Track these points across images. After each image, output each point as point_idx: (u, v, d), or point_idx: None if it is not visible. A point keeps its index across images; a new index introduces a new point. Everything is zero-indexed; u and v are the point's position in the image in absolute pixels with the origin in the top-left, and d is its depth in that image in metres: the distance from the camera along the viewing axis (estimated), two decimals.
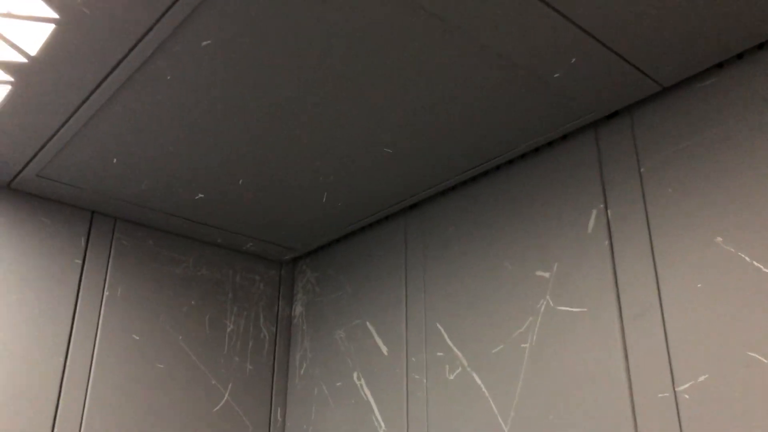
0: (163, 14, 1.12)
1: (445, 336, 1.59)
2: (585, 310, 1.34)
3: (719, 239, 1.19)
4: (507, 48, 1.20)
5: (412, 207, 1.79)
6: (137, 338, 1.79)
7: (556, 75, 1.26)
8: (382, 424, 1.66)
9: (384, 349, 1.72)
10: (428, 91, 1.32)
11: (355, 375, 1.78)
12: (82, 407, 1.65)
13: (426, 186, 1.68)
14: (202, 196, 1.73)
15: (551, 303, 1.40)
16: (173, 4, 1.10)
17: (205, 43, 1.20)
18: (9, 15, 1.12)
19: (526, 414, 1.37)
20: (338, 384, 1.82)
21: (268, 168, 1.61)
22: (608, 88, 1.31)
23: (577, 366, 1.32)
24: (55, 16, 1.12)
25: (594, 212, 1.39)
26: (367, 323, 1.80)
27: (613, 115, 1.41)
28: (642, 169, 1.33)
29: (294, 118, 1.42)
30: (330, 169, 1.60)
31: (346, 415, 1.76)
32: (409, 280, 1.73)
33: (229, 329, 1.96)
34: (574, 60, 1.23)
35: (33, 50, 1.21)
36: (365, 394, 1.73)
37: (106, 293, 1.78)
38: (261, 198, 1.75)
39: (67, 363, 1.66)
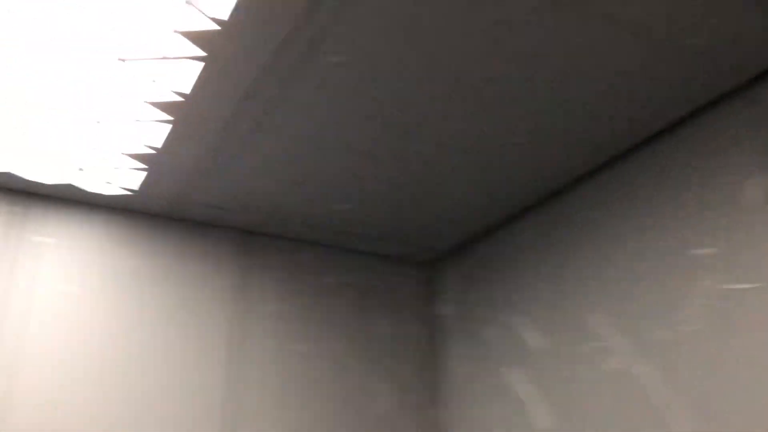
0: (297, 35, 1.20)
1: (603, 326, 1.55)
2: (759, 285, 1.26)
3: None
4: (642, 17, 1.17)
5: (555, 195, 1.77)
6: (298, 348, 1.89)
7: (694, 40, 1.22)
8: (543, 419, 1.65)
9: (539, 343, 1.71)
10: (565, 74, 1.31)
11: (510, 371, 1.78)
12: (246, 414, 1.77)
13: (569, 172, 1.66)
14: (345, 206, 1.81)
15: (718, 282, 1.34)
16: (305, 25, 1.17)
17: (336, 58, 1.26)
18: (164, 59, 1.25)
19: (698, 401, 1.31)
20: (493, 381, 1.83)
21: (405, 173, 1.65)
22: (754, 47, 1.24)
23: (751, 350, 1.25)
24: (203, 53, 1.23)
25: (756, 179, 1.31)
26: (519, 318, 1.80)
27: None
28: None
29: (428, 123, 1.45)
30: (469, 166, 1.63)
31: (503, 412, 1.77)
32: (560, 270, 1.71)
33: (382, 333, 2.03)
34: (714, 21, 1.17)
35: (186, 89, 1.33)
36: (522, 390, 1.72)
37: (265, 308, 1.90)
38: (400, 203, 1.80)
39: (229, 374, 1.78)
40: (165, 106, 1.39)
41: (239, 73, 1.29)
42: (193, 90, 1.34)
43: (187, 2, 1.12)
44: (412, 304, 2.11)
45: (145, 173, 1.66)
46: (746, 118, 1.35)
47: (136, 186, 1.71)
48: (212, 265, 1.87)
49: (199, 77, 1.30)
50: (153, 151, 1.56)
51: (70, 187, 1.70)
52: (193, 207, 1.81)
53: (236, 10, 1.13)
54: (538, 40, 1.22)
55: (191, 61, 1.25)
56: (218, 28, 1.17)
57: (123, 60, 1.25)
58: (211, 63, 1.26)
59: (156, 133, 1.49)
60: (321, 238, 2.00)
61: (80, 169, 1.62)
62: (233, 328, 1.83)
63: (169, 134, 1.49)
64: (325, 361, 1.91)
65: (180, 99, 1.36)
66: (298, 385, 1.85)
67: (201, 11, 1.13)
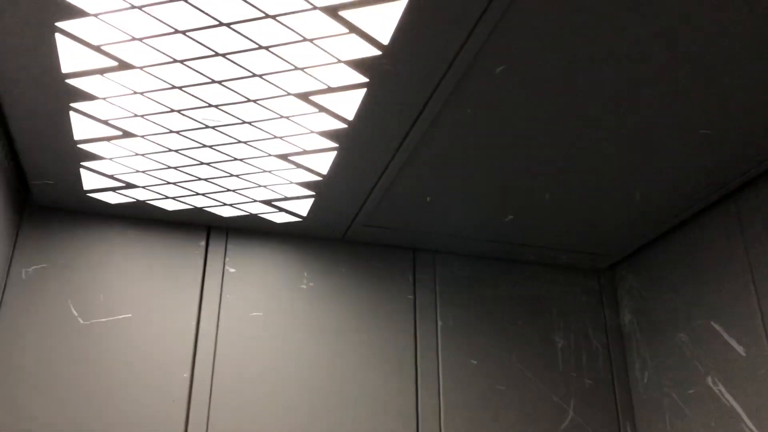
0: (458, 52, 1.17)
1: None
2: None
3: None
4: None
5: (743, 186, 1.60)
6: (475, 362, 1.85)
7: None
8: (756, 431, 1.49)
9: (740, 350, 1.55)
10: (743, 53, 1.18)
11: (709, 380, 1.63)
12: (438, 430, 1.75)
13: (759, 160, 1.49)
14: (511, 217, 1.75)
15: None
16: (466, 41, 1.14)
17: (499, 69, 1.22)
18: (329, 90, 1.26)
19: None
20: (690, 391, 1.68)
21: (574, 178, 1.57)
22: None
23: None
24: (365, 80, 1.23)
25: None
26: (712, 322, 1.65)
27: None
28: None
29: (598, 121, 1.37)
30: (641, 164, 1.52)
31: (707, 425, 1.62)
32: (754, 267, 1.55)
33: (559, 345, 1.94)
34: None
35: (350, 115, 1.34)
36: (727, 401, 1.57)
37: (439, 323, 1.88)
38: (569, 209, 1.72)
39: (419, 390, 1.78)
40: (329, 134, 1.41)
41: (402, 95, 1.28)
42: (355, 116, 1.35)
43: (349, 32, 1.12)
44: (591, 313, 2.01)
45: (312, 200, 1.70)
46: None
47: (304, 212, 1.76)
48: (385, 282, 1.89)
49: (362, 103, 1.30)
50: (319, 178, 1.59)
51: (243, 218, 1.78)
52: (361, 228, 1.83)
53: (397, 33, 1.12)
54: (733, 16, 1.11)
55: (354, 88, 1.26)
56: (379, 52, 1.16)
57: (289, 93, 1.28)
58: (372, 88, 1.25)
59: (321, 160, 1.52)
60: (491, 251, 1.95)
61: (254, 200, 1.70)
62: (414, 343, 1.83)
63: (334, 160, 1.51)
64: (507, 373, 1.86)
65: (343, 126, 1.38)
66: (483, 397, 1.81)
67: (362, 38, 1.13)
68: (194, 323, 1.71)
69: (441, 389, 1.80)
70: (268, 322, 1.76)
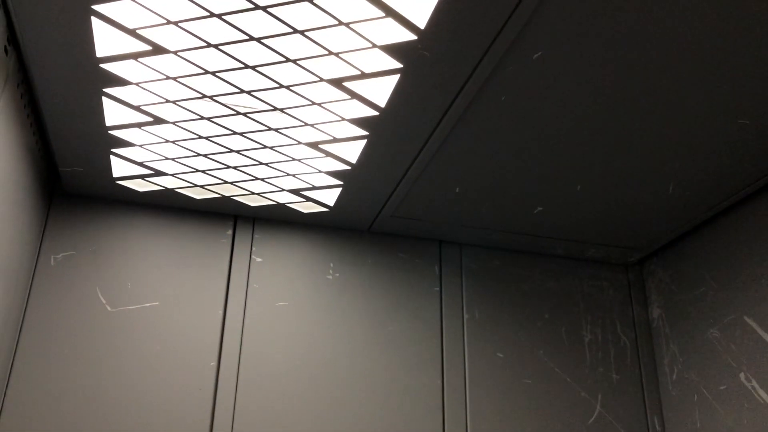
0: (495, 38, 1.15)
1: None
2: None
3: None
4: None
5: None
6: (501, 356, 1.84)
7: None
8: None
9: None
10: None
11: (742, 376, 1.60)
12: (465, 423, 1.74)
13: None
14: (540, 209, 1.74)
15: None
16: (504, 26, 1.12)
17: (536, 55, 1.20)
18: (362, 75, 1.25)
19: None
20: (722, 387, 1.66)
21: (605, 169, 1.55)
22: None
23: None
24: (399, 65, 1.22)
25: None
26: (745, 318, 1.62)
27: None
28: None
29: (632, 111, 1.35)
30: (675, 155, 1.49)
31: (739, 422, 1.59)
32: None
33: (587, 339, 1.92)
34: None
35: (382, 102, 1.33)
36: (761, 397, 1.54)
37: (465, 316, 1.86)
38: (600, 201, 1.69)
39: (444, 383, 1.76)
40: (360, 122, 1.40)
41: (436, 82, 1.26)
42: (388, 103, 1.33)
43: (385, 15, 1.11)
44: (619, 308, 1.98)
45: (339, 189, 1.69)
46: None
47: (331, 202, 1.75)
48: (411, 274, 1.88)
49: (395, 90, 1.29)
50: (348, 167, 1.58)
51: (270, 207, 1.78)
52: (388, 219, 1.82)
53: (434, 17, 1.10)
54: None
55: (388, 74, 1.24)
56: (415, 37, 1.15)
57: (322, 79, 1.27)
58: (406, 74, 1.24)
59: (351, 149, 1.51)
60: (519, 243, 1.94)
61: (282, 189, 1.69)
62: (440, 335, 1.82)
63: (364, 149, 1.50)
64: (534, 367, 1.84)
65: (375, 113, 1.37)
66: (509, 390, 1.79)
67: (398, 22, 1.12)
68: (221, 312, 1.71)
69: (467, 382, 1.78)
70: (294, 312, 1.76)
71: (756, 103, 1.31)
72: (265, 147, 1.51)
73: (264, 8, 1.11)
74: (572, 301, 1.96)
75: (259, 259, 1.79)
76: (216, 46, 1.20)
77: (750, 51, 1.18)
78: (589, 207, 1.72)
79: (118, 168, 1.61)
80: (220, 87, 1.31)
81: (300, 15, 1.12)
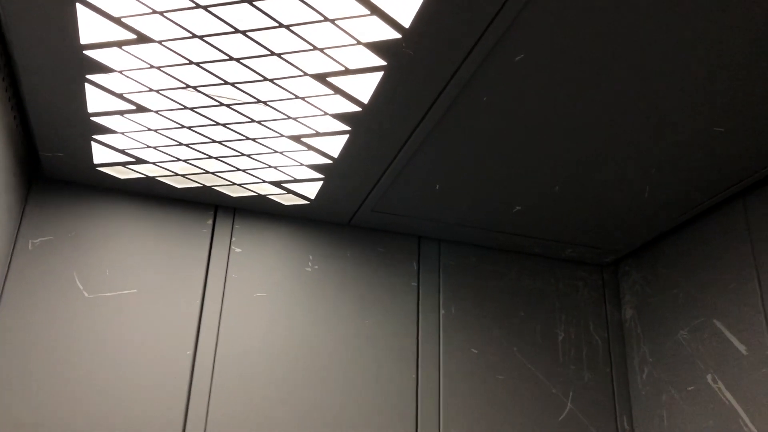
0: (478, 40, 1.17)
1: None
2: None
3: None
4: None
5: (753, 186, 1.61)
6: (476, 351, 1.86)
7: None
8: (754, 431, 1.50)
9: (741, 348, 1.56)
10: (761, 51, 1.19)
11: (709, 377, 1.64)
12: (438, 417, 1.76)
13: (765, 163, 1.50)
14: (519, 208, 1.76)
15: None
16: (487, 28, 1.14)
17: (518, 57, 1.22)
18: (346, 71, 1.26)
19: None
20: (690, 388, 1.70)
21: (583, 172, 1.58)
22: None
23: None
24: (383, 63, 1.23)
25: None
26: (714, 321, 1.66)
27: None
28: None
29: (611, 115, 1.37)
30: (651, 160, 1.52)
31: (705, 422, 1.63)
32: (760, 266, 1.56)
33: (560, 338, 1.95)
34: None
35: (365, 98, 1.34)
36: (726, 399, 1.58)
37: (442, 311, 1.89)
38: (577, 203, 1.72)
39: (419, 377, 1.79)
40: (343, 117, 1.41)
41: (419, 80, 1.28)
42: (371, 100, 1.35)
43: (370, 13, 1.12)
44: (593, 308, 2.02)
45: (320, 183, 1.70)
46: None
47: (312, 195, 1.76)
48: (390, 269, 1.89)
49: (378, 86, 1.30)
50: (329, 161, 1.59)
51: (251, 198, 1.78)
52: (368, 214, 1.84)
53: (419, 16, 1.12)
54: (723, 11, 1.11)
55: (371, 71, 1.26)
56: (399, 36, 1.16)
57: (306, 74, 1.28)
58: (390, 71, 1.25)
59: (333, 143, 1.52)
60: (497, 241, 1.96)
61: (263, 181, 1.70)
62: (416, 330, 1.84)
63: (346, 144, 1.51)
64: (508, 364, 1.87)
65: (358, 109, 1.38)
66: (482, 386, 1.82)
67: (383, 20, 1.13)
68: (199, 301, 1.71)
69: (441, 376, 1.81)
70: (271, 303, 1.77)
71: (730, 112, 1.34)
72: (248, 138, 1.51)
73: (250, 1, 1.11)
74: (547, 299, 1.99)
75: (238, 250, 1.80)
76: (201, 38, 1.20)
77: (726, 59, 1.21)
78: (568, 208, 1.75)
79: (99, 154, 1.61)
80: (204, 78, 1.31)
81: (286, 9, 1.13)
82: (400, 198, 1.74)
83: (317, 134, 1.48)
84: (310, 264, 1.84)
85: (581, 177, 1.60)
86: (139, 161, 1.63)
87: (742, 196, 1.63)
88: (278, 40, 1.20)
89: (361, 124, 1.43)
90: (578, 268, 2.06)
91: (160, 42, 1.22)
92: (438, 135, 1.46)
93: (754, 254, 1.58)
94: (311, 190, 1.74)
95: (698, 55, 1.20)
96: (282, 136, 1.49)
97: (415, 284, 1.90)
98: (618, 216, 1.78)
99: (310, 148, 1.54)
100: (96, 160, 1.63)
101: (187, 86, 1.34)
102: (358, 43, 1.19)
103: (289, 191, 1.75)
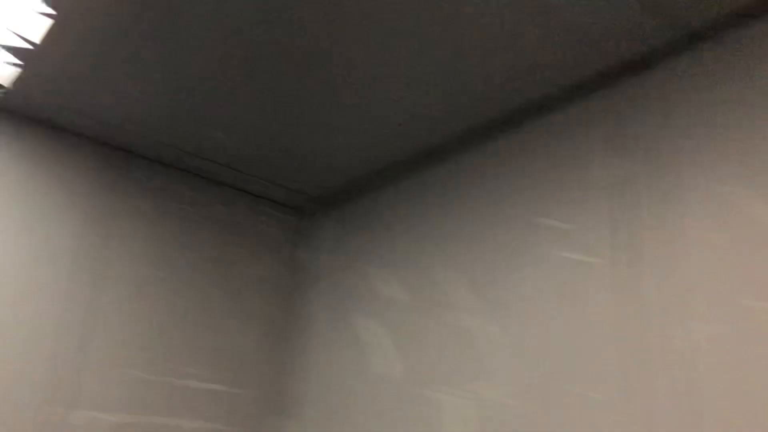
0: None
1: (453, 283, 1.67)
2: None
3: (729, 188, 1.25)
4: None
5: (427, 156, 1.86)
6: (156, 272, 1.91)
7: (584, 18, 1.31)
8: (390, 367, 1.74)
9: (394, 295, 1.80)
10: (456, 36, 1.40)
11: (363, 319, 1.86)
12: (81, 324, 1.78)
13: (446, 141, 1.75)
14: (219, 135, 1.83)
15: (557, 251, 1.49)
16: None
17: None
18: None
19: (529, 355, 1.46)
20: (346, 328, 1.91)
21: (281, 110, 1.69)
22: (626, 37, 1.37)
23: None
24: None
25: (600, 164, 1.47)
26: (379, 269, 1.87)
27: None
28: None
29: (324, 46, 1.49)
30: (345, 106, 1.66)
31: (353, 358, 1.86)
32: (425, 229, 1.83)
33: (242, 271, 2.06)
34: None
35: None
36: (372, 338, 1.82)
37: (121, 226, 1.89)
38: (279, 140, 1.83)
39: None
40: None
41: None
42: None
43: None
44: (279, 246, 2.14)
45: (19, 69, 1.62)
46: (598, 108, 1.48)
47: (7, 83, 1.67)
48: (71, 176, 1.84)
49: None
50: (30, 47, 1.53)
51: None
52: (66, 114, 1.78)
53: None
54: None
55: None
56: None
57: None
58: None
59: (35, 27, 1.47)
60: (192, 166, 2.01)
61: None
62: (88, 244, 1.82)
63: (50, 30, 1.47)
64: (183, 289, 1.94)
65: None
66: (153, 308, 1.87)
67: None
68: None
69: (112, 293, 1.83)
70: None
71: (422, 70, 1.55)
72: None
73: None
74: (236, 232, 2.08)
75: None
76: None
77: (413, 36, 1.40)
78: (267, 143, 1.85)
79: None
80: None
81: None
82: (101, 102, 1.70)
83: (18, 12, 1.41)
84: None
85: (285, 114, 1.70)
86: None
87: (410, 168, 1.90)
88: None
89: (68, 8, 1.39)
90: (270, 207, 2.16)
91: None
92: (148, 37, 1.46)
93: (417, 218, 1.85)
94: (6, 76, 1.64)
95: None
96: None
97: (96, 195, 1.86)
98: (312, 160, 1.92)
99: (6, 27, 1.46)
100: None
101: None
102: None
103: None
